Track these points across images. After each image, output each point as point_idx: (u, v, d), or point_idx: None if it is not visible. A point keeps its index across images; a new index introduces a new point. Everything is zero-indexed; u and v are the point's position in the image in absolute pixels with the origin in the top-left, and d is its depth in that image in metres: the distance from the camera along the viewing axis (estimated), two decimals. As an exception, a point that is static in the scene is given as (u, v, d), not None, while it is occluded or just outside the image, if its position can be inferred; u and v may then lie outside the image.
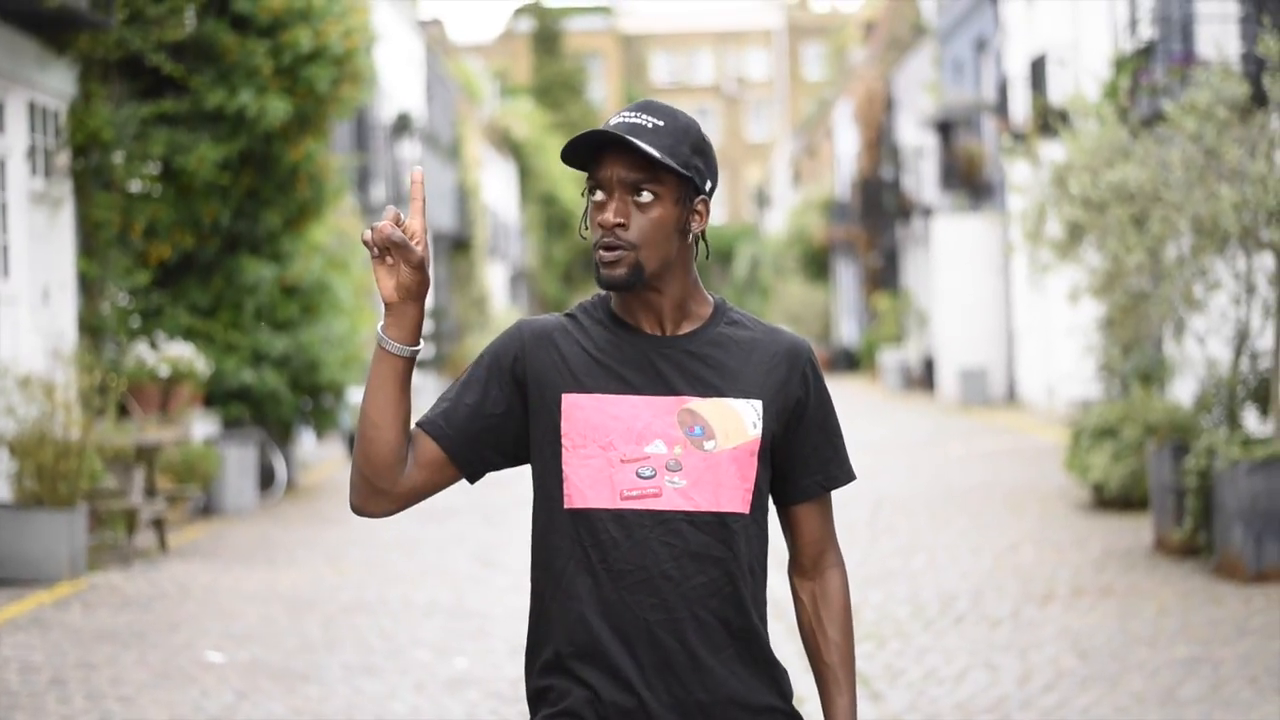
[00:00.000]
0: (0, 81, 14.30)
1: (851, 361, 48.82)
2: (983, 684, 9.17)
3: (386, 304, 3.22)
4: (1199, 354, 13.82)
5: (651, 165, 3.22)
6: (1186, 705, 8.51)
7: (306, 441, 22.78)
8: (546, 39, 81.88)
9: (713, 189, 3.32)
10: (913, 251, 42.09)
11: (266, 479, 18.26)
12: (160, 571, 13.19)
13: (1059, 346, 26.42)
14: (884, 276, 45.90)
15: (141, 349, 16.24)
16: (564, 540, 3.27)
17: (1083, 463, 15.92)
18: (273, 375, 17.64)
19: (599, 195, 3.26)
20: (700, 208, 3.30)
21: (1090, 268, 13.82)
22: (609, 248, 3.23)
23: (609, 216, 3.23)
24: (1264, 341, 13.25)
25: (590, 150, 3.25)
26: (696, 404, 3.28)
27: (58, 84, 15.39)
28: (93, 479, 13.29)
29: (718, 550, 3.26)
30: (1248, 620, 10.50)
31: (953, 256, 34.18)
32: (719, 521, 3.26)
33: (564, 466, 3.27)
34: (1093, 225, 13.32)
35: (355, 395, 21.94)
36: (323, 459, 23.82)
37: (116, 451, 13.64)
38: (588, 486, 3.26)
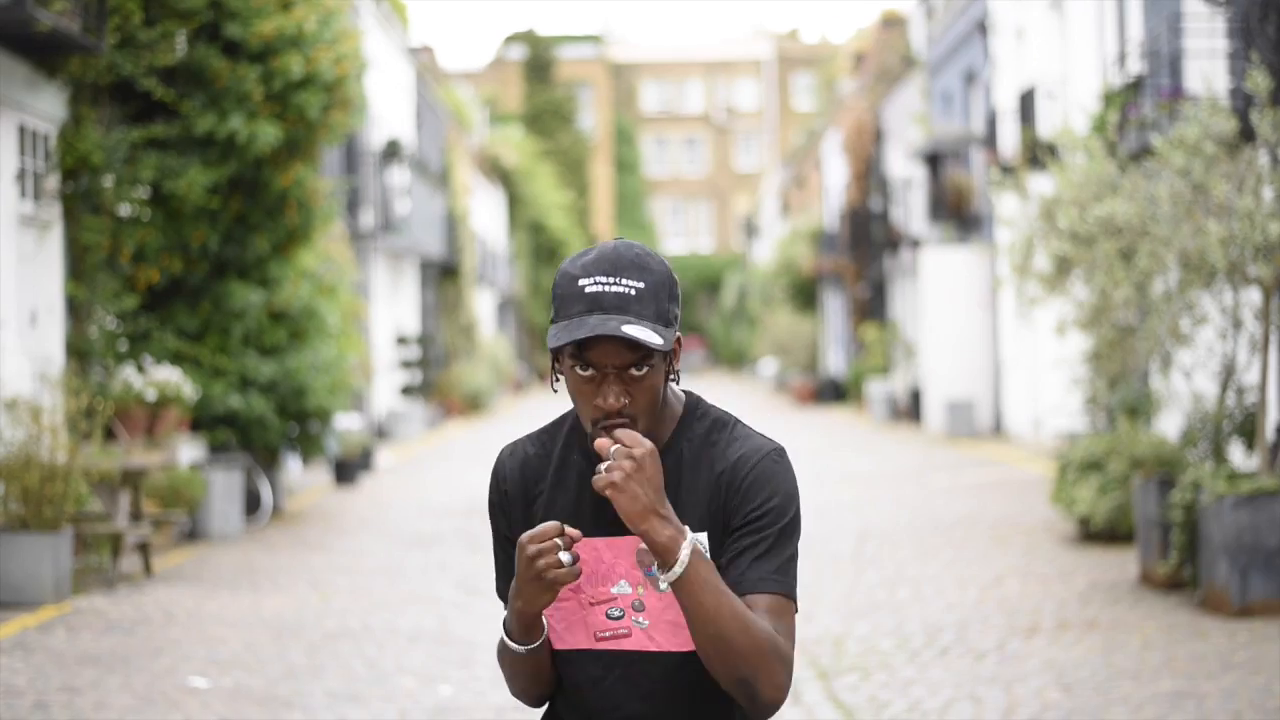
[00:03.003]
0: (-9, 104, 14.31)
1: (838, 392, 48.84)
2: (967, 716, 9.16)
3: (529, 614, 3.21)
4: (1185, 388, 13.84)
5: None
6: (1170, 739, 8.50)
7: (293, 467, 22.75)
8: (537, 67, 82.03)
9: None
10: (900, 283, 42.14)
11: (252, 504, 18.24)
12: (145, 596, 13.16)
13: (1046, 379, 26.45)
14: (872, 307, 45.94)
15: (129, 373, 16.23)
16: (560, 675, 3.35)
17: (1069, 496, 15.93)
18: (260, 400, 17.63)
19: (589, 372, 3.18)
20: (677, 345, 3.27)
21: (1077, 301, 13.84)
22: (610, 428, 3.18)
23: (610, 402, 3.17)
24: (1250, 376, 13.27)
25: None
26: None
27: (48, 107, 15.41)
28: (78, 502, 13.27)
29: (686, 686, 3.26)
30: (1232, 655, 10.50)
31: (940, 288, 34.22)
32: (683, 661, 3.25)
33: (544, 612, 3.27)
34: (1080, 259, 13.34)
35: (342, 421, 21.93)
36: (309, 485, 23.79)
37: (102, 475, 13.62)
38: (564, 629, 3.29)
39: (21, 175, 15.07)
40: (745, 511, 3.27)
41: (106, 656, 10.62)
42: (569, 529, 3.13)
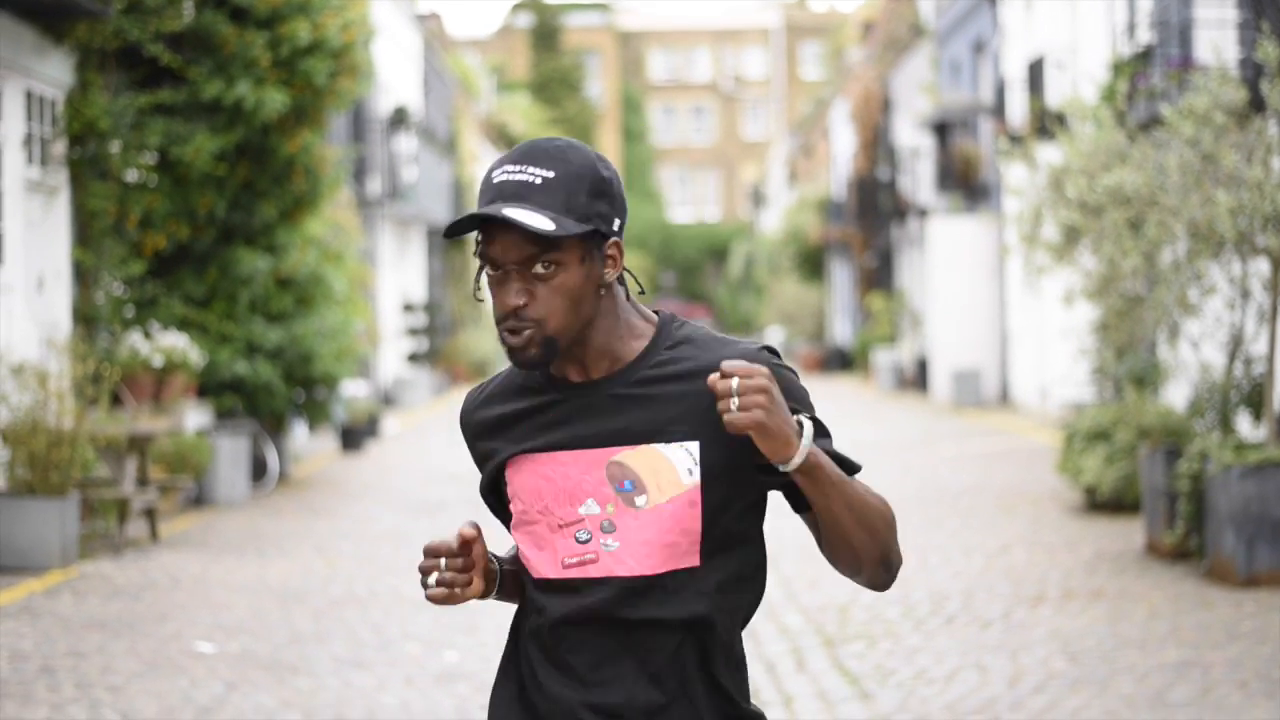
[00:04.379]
0: (-3, 69, 14.30)
1: (845, 361, 48.83)
2: (973, 685, 9.17)
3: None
4: (1193, 358, 13.82)
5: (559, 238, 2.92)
6: (1176, 709, 8.51)
7: (299, 434, 22.77)
8: (544, 35, 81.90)
9: (622, 226, 3.02)
10: (908, 252, 42.10)
11: (259, 470, 18.25)
12: (151, 561, 13.18)
13: (1053, 349, 26.43)
14: (879, 277, 45.91)
15: (135, 339, 16.23)
16: (535, 611, 3.08)
17: (1075, 465, 15.92)
18: (266, 367, 17.63)
19: (495, 273, 2.96)
20: (612, 251, 3.00)
21: (1085, 271, 13.82)
22: (514, 330, 2.95)
23: (508, 300, 2.94)
24: (1258, 347, 13.26)
25: (474, 219, 2.94)
26: (625, 455, 2.99)
27: (55, 73, 15.38)
28: (85, 468, 13.29)
29: (658, 612, 2.98)
30: (1238, 624, 10.50)
31: (948, 258, 34.19)
32: (658, 584, 2.98)
33: (515, 534, 3.08)
34: (1088, 228, 13.32)
35: (348, 388, 21.94)
36: (315, 451, 23.81)
37: (109, 441, 13.63)
38: (534, 556, 3.05)
39: (28, 141, 15.05)
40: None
41: (113, 622, 10.63)
42: (463, 530, 2.97)
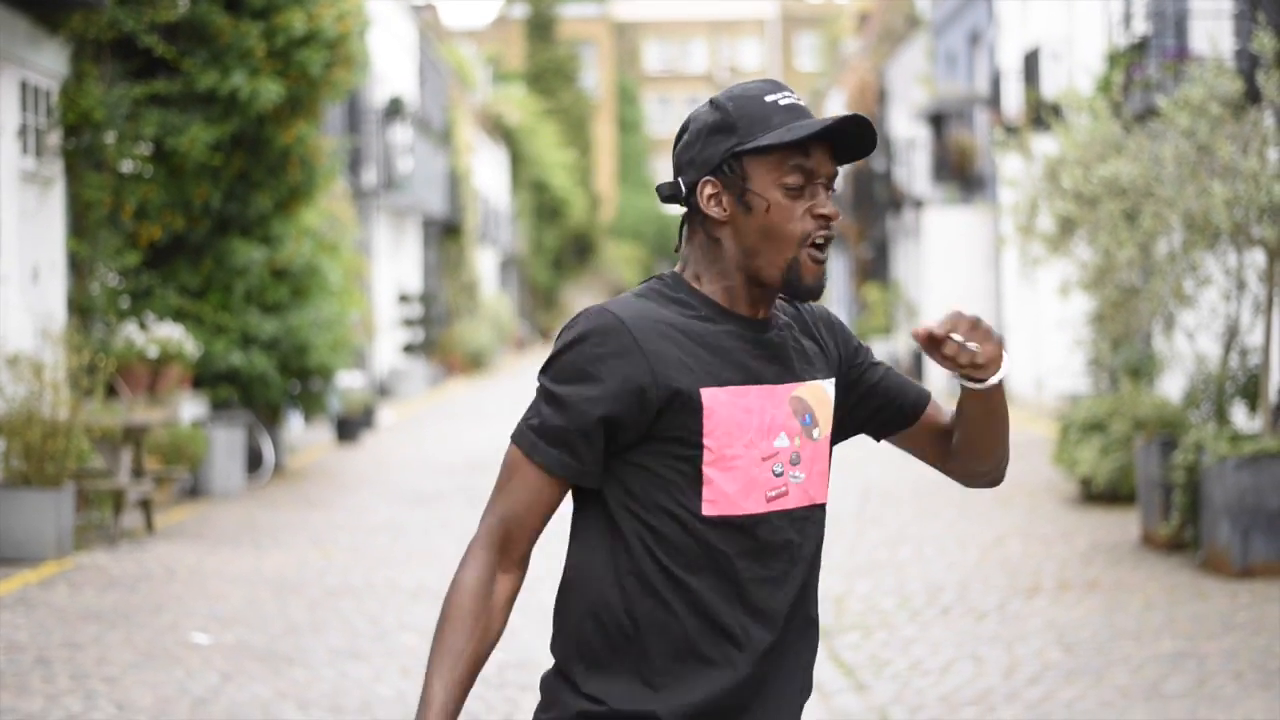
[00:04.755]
0: (-8, 59, 14.27)
1: (840, 352, 48.78)
2: (968, 676, 9.17)
3: None
4: (1188, 349, 13.83)
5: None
6: (1171, 700, 8.52)
7: (294, 425, 22.77)
8: (540, 25, 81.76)
9: None
10: (903, 243, 42.11)
11: (254, 462, 18.25)
12: (146, 552, 13.17)
13: (1048, 340, 26.43)
14: (874, 268, 45.92)
15: (131, 330, 16.22)
16: (695, 552, 2.99)
17: (1071, 456, 15.93)
18: (262, 358, 17.62)
19: (797, 185, 3.00)
20: None
21: (1081, 262, 13.82)
22: (826, 241, 3.06)
23: (828, 208, 3.02)
24: (1253, 338, 13.26)
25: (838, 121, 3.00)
26: (802, 390, 3.09)
27: (50, 63, 15.36)
28: (80, 459, 13.28)
29: (815, 543, 3.12)
30: (1233, 615, 10.51)
31: (943, 249, 34.19)
32: (821, 513, 3.14)
33: (705, 470, 2.98)
34: (1084, 220, 13.32)
35: (343, 379, 21.93)
36: (310, 442, 23.81)
37: (104, 432, 13.62)
38: (737, 491, 2.99)
39: (23, 131, 15.03)
40: (853, 351, 3.24)
41: (108, 612, 10.63)
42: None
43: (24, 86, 15.08)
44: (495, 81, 66.77)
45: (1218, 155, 12.24)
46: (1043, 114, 20.22)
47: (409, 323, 36.04)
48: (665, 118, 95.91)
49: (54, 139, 15.52)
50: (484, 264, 52.39)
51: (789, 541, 3.05)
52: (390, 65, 35.43)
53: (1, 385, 12.64)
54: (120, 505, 13.63)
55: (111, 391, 15.52)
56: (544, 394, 3.00)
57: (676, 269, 3.13)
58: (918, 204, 38.80)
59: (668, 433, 2.98)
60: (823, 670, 9.43)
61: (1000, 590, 11.70)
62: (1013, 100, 29.57)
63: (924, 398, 3.34)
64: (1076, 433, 15.92)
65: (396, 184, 34.10)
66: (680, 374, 2.97)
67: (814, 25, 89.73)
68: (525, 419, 3.02)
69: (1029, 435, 23.50)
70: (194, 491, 16.83)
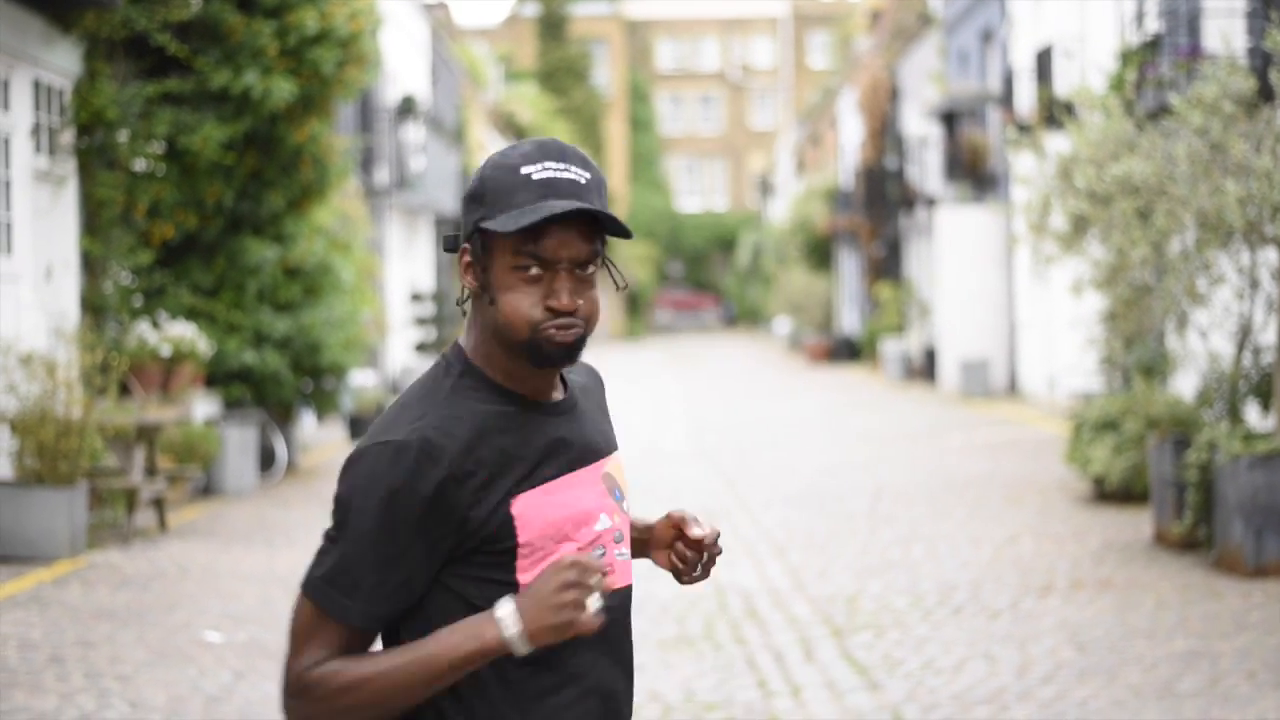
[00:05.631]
0: (5, 59, 14.29)
1: (853, 351, 48.79)
2: (981, 675, 9.17)
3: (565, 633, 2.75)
4: (1201, 348, 13.81)
5: (601, 237, 2.86)
6: (1184, 699, 8.51)
7: (307, 423, 22.78)
8: (552, 24, 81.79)
9: None
10: (915, 242, 42.07)
11: (267, 460, 18.26)
12: (159, 551, 13.19)
13: (1061, 339, 26.42)
14: (886, 266, 45.88)
15: (143, 328, 16.23)
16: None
17: (1083, 455, 15.91)
18: (274, 356, 17.63)
19: (533, 271, 2.81)
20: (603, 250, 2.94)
21: (1094, 260, 13.81)
22: (566, 328, 2.83)
23: (565, 300, 2.80)
24: (1267, 336, 13.24)
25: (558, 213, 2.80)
26: (608, 464, 2.99)
27: (63, 62, 15.38)
28: (93, 458, 13.29)
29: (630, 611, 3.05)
30: (1246, 615, 10.50)
31: (956, 247, 34.16)
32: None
33: (519, 578, 2.84)
34: (1097, 218, 13.30)
35: (356, 378, 21.94)
36: (323, 441, 23.82)
37: (117, 430, 13.64)
38: None
39: (36, 130, 15.05)
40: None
41: (121, 611, 10.64)
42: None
43: (37, 85, 15.10)
44: (507, 80, 66.82)
45: (1231, 153, 12.22)
46: (1055, 112, 20.19)
47: (421, 321, 36.05)
48: (677, 116, 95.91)
49: (67, 138, 15.54)
50: (496, 262, 52.32)
51: (618, 620, 2.96)
52: (402, 64, 35.44)
53: (15, 384, 12.65)
54: (133, 504, 13.64)
55: (124, 390, 15.54)
56: None
57: (460, 339, 3.00)
58: (930, 202, 38.76)
59: (471, 549, 2.85)
60: (836, 669, 9.43)
61: (1013, 589, 11.69)
62: (1025, 98, 29.53)
63: None
64: (1089, 431, 15.90)
65: (409, 183, 34.11)
66: (486, 487, 2.83)
67: (826, 23, 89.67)
68: None
69: (1041, 434, 23.48)
70: (207, 490, 16.84)
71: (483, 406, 2.87)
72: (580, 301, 2.83)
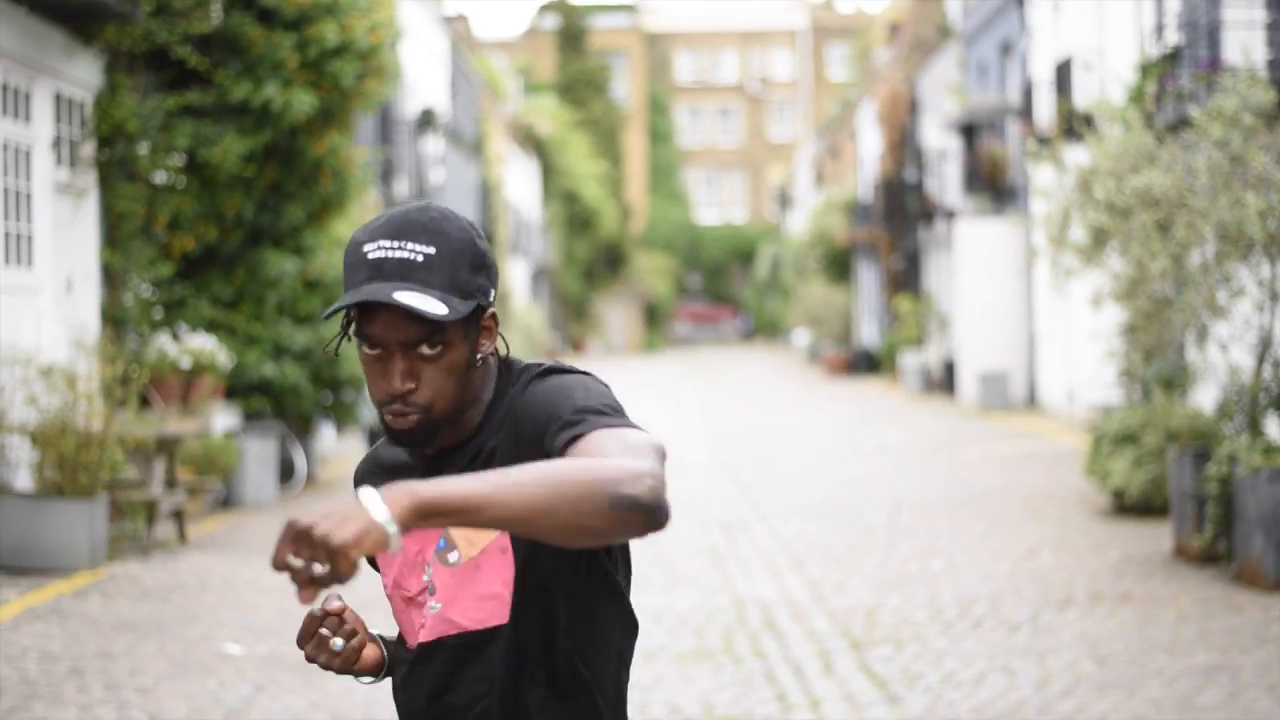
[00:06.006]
0: (27, 72, 14.34)
1: (872, 363, 48.77)
2: (1000, 688, 9.15)
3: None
4: (1221, 361, 13.78)
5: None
6: (1204, 713, 8.49)
7: (326, 435, 22.80)
8: (571, 36, 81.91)
9: (495, 294, 2.88)
10: (935, 254, 42.04)
11: (286, 472, 18.28)
12: (179, 563, 13.21)
13: (1080, 351, 26.37)
14: (906, 279, 45.85)
15: (164, 340, 16.27)
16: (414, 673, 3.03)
17: (1103, 468, 15.88)
18: (294, 369, 17.66)
19: (375, 350, 2.79)
20: (489, 323, 2.87)
21: (1114, 273, 13.79)
22: (400, 414, 2.80)
23: (395, 384, 2.78)
24: (1287, 349, 13.21)
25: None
26: None
27: (84, 75, 15.43)
28: (113, 470, 13.31)
29: (488, 669, 2.89)
30: (1267, 628, 10.47)
31: (975, 260, 34.14)
32: (486, 639, 2.88)
33: (394, 616, 3.05)
34: (1117, 230, 13.29)
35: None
36: (342, 453, 23.84)
37: (137, 442, 13.66)
38: (405, 631, 3.03)
39: (58, 143, 15.09)
40: (544, 432, 2.77)
41: (141, 623, 10.66)
42: (329, 605, 2.87)
43: (58, 98, 15.15)
44: (526, 92, 66.89)
45: (1251, 166, 12.21)
46: (1075, 124, 20.17)
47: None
48: (696, 128, 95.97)
49: (88, 150, 15.58)
50: (515, 275, 52.43)
51: (439, 673, 2.94)
52: (422, 76, 35.50)
53: (36, 396, 12.68)
54: (153, 516, 13.67)
55: (144, 402, 15.57)
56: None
57: None
58: (949, 215, 38.74)
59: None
60: (855, 682, 9.42)
61: (1033, 602, 11.67)
62: (1044, 111, 29.51)
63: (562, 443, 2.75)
64: (1109, 444, 15.87)
65: (428, 195, 34.17)
66: None
67: (845, 35, 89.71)
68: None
69: (1061, 447, 23.44)
70: (226, 502, 16.86)
71: (389, 450, 3.04)
72: (411, 384, 2.78)
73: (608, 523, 2.49)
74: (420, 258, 2.75)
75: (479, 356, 2.86)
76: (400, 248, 2.76)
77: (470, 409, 2.89)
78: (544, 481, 2.47)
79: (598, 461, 2.54)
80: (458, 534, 2.88)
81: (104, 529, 12.68)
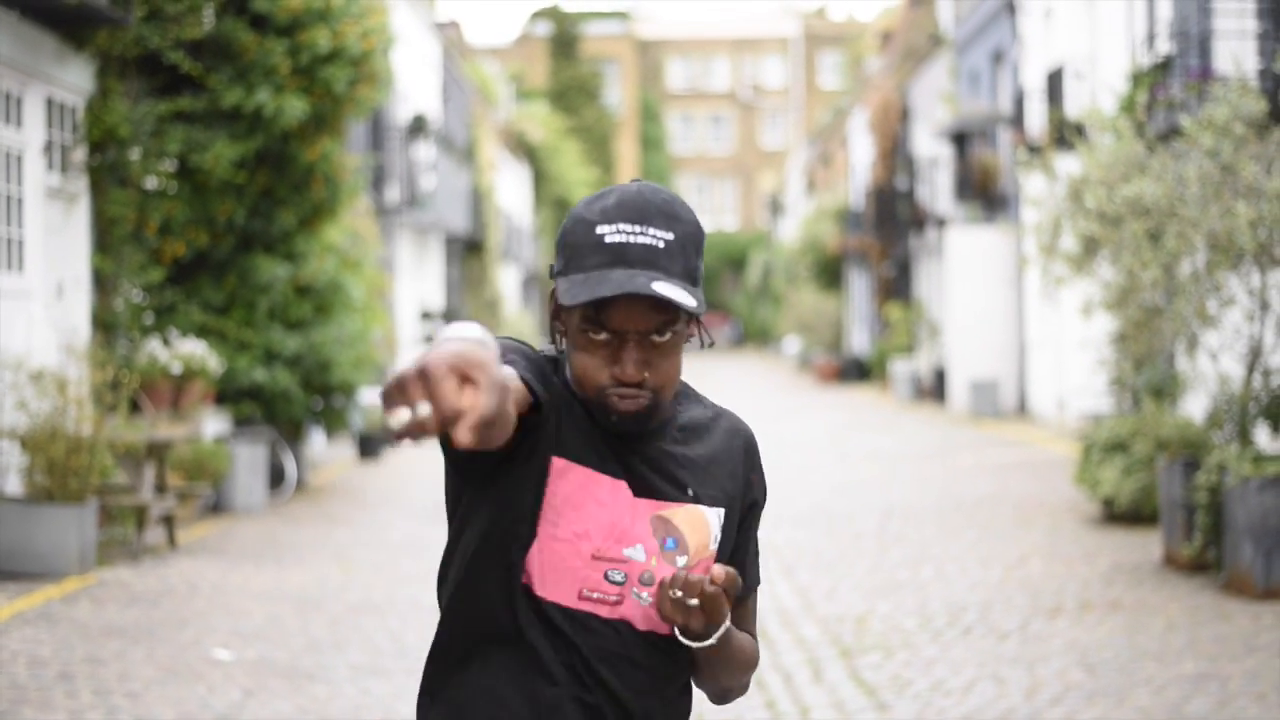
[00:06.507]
0: (18, 76, 14.33)
1: (862, 371, 48.79)
2: (990, 696, 9.16)
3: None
4: (1211, 370, 13.80)
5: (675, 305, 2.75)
6: (1193, 721, 8.49)
7: (317, 441, 22.79)
8: (563, 43, 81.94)
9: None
10: (926, 262, 42.07)
11: (276, 478, 18.27)
12: (169, 568, 13.20)
13: (1071, 360, 26.40)
14: (896, 286, 45.88)
15: (154, 346, 16.26)
16: (508, 610, 2.87)
17: (1093, 477, 15.90)
18: (284, 374, 17.65)
19: (603, 336, 2.77)
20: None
21: (1104, 282, 13.81)
22: (629, 397, 2.79)
23: (630, 372, 2.76)
24: (1277, 358, 13.23)
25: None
26: (670, 511, 2.87)
27: (76, 80, 15.42)
28: (103, 475, 13.31)
29: (664, 672, 2.92)
30: (1256, 637, 10.49)
31: (966, 268, 34.17)
32: (675, 644, 2.90)
33: (538, 541, 2.85)
34: (1108, 239, 13.31)
35: (366, 396, 21.95)
36: (333, 459, 23.83)
37: (128, 447, 13.66)
38: (545, 573, 2.84)
39: (49, 148, 15.09)
40: (756, 495, 3.01)
41: (131, 628, 10.65)
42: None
43: (50, 103, 15.14)
44: (518, 99, 66.89)
45: (1241, 175, 12.23)
46: (1066, 133, 20.18)
47: (431, 339, 36.08)
48: (688, 136, 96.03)
49: (79, 155, 15.58)
50: (506, 281, 52.42)
51: (614, 654, 2.87)
52: (414, 83, 35.50)
53: (26, 400, 12.67)
54: (143, 521, 13.66)
55: (135, 407, 15.56)
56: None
57: (556, 352, 2.95)
58: (940, 223, 38.78)
59: (513, 492, 2.84)
60: (844, 690, 9.42)
61: (1022, 610, 11.68)
62: (1036, 119, 29.55)
63: (747, 588, 3.04)
64: (1099, 453, 15.89)
65: (419, 201, 34.16)
66: (550, 433, 2.83)
67: (837, 43, 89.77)
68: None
69: (1051, 455, 23.46)
70: (216, 507, 16.85)
71: (565, 393, 2.88)
72: (647, 373, 2.78)
73: (720, 696, 3.07)
74: (662, 244, 2.74)
75: (695, 340, 2.91)
76: (642, 233, 2.74)
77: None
78: (747, 654, 2.99)
79: (754, 659, 3.02)
80: (690, 539, 2.87)
81: (94, 534, 12.67)
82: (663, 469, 2.88)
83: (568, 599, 2.84)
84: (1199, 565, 12.75)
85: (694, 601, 2.73)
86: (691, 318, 2.85)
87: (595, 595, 2.84)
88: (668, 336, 2.77)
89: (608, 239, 2.73)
